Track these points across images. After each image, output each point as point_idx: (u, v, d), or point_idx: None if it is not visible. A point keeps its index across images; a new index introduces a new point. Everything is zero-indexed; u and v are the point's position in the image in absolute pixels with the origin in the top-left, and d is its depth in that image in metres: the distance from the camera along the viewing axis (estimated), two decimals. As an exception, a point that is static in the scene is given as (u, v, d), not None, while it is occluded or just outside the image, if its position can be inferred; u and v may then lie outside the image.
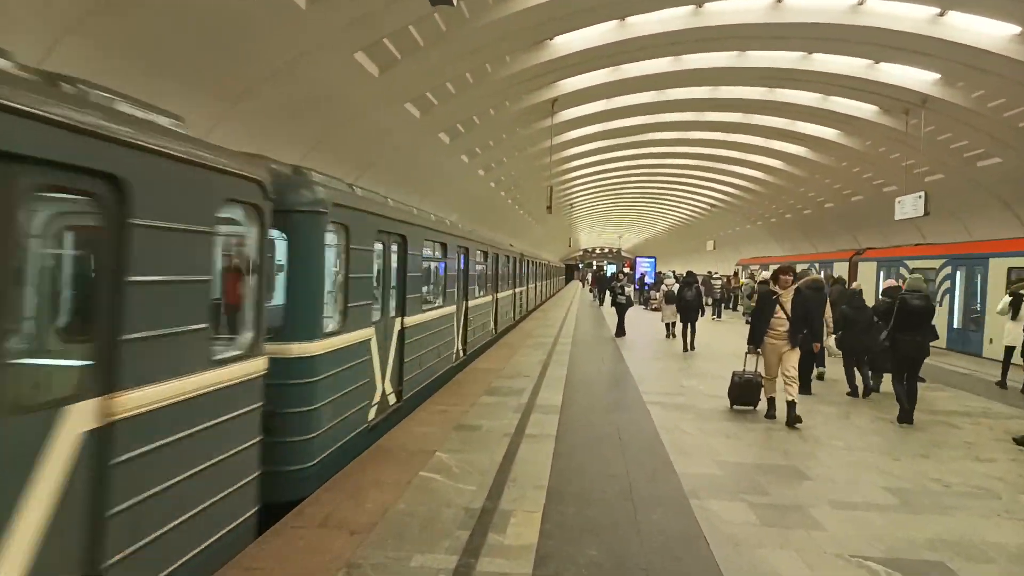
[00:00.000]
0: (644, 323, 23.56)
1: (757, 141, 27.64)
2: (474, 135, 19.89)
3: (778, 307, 8.85)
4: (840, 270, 23.76)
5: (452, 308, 12.02)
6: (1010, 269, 15.89)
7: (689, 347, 16.04)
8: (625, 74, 18.46)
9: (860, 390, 10.76)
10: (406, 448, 7.08)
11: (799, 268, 29.92)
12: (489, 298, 17.03)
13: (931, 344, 9.50)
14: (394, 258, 8.56)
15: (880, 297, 10.74)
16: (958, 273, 18.13)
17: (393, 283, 8.59)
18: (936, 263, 19.09)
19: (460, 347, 13.20)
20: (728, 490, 5.96)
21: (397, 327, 8.60)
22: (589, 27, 14.71)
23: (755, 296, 16.64)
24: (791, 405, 8.45)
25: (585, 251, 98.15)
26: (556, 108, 19.96)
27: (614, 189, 46.43)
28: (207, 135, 7.39)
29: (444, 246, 11.41)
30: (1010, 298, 11.84)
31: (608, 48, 15.70)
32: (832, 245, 32.86)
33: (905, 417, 8.92)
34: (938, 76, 16.89)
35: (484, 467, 6.43)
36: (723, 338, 19.05)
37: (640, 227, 77.06)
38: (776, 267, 9.33)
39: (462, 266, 13.25)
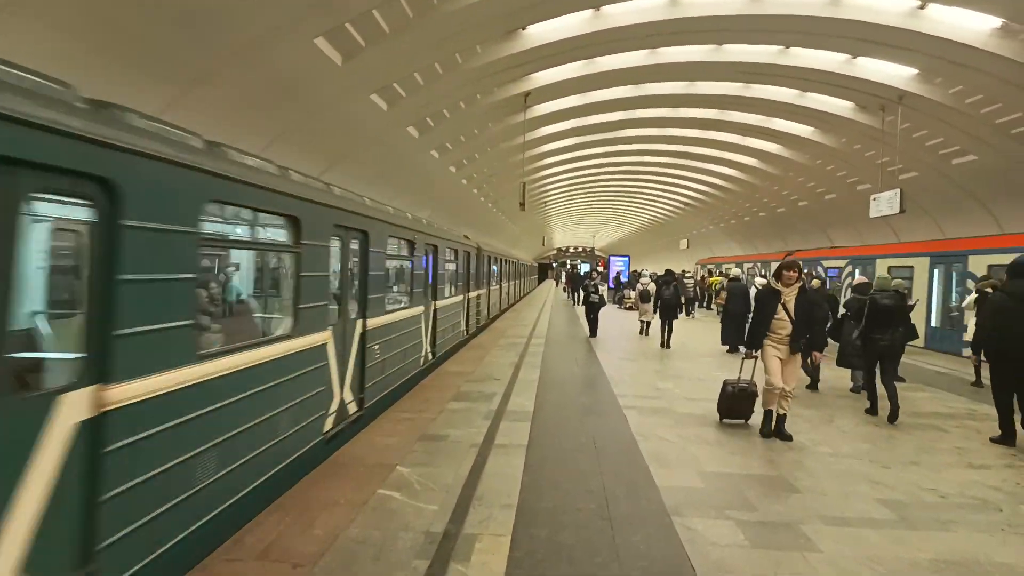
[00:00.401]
0: (617, 322, 23.20)
1: (732, 138, 27.43)
2: (444, 129, 19.28)
3: (780, 308, 7.80)
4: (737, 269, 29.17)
5: (322, 336, 6.74)
6: (889, 268, 19.83)
7: (665, 345, 16.20)
8: (600, 67, 18.02)
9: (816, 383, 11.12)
10: (365, 462, 6.52)
11: (746, 268, 30.55)
12: (418, 310, 11.58)
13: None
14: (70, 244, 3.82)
15: (852, 294, 10.89)
16: (856, 270, 22.21)
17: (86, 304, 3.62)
18: (842, 262, 23.80)
19: (347, 400, 7.76)
20: (713, 505, 5.50)
21: (69, 415, 3.38)
22: (563, 16, 14.20)
23: (723, 293, 16.59)
24: (781, 419, 7.83)
25: (559, 250, 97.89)
26: (529, 102, 19.45)
27: (588, 187, 46.05)
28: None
29: (296, 224, 6.08)
30: (976, 295, 11.76)
31: (583, 39, 15.22)
32: (805, 243, 32.85)
33: (873, 410, 9.22)
34: (916, 72, 16.69)
35: (448, 483, 5.90)
36: (698, 337, 18.75)
37: (614, 226, 76.85)
38: (779, 263, 8.34)
39: (357, 262, 8.22)
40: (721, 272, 35.65)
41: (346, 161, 16.20)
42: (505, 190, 32.48)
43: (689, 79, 20.36)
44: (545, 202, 47.61)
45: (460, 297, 16.64)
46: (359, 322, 8.33)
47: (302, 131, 13.39)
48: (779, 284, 7.90)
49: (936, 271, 18.19)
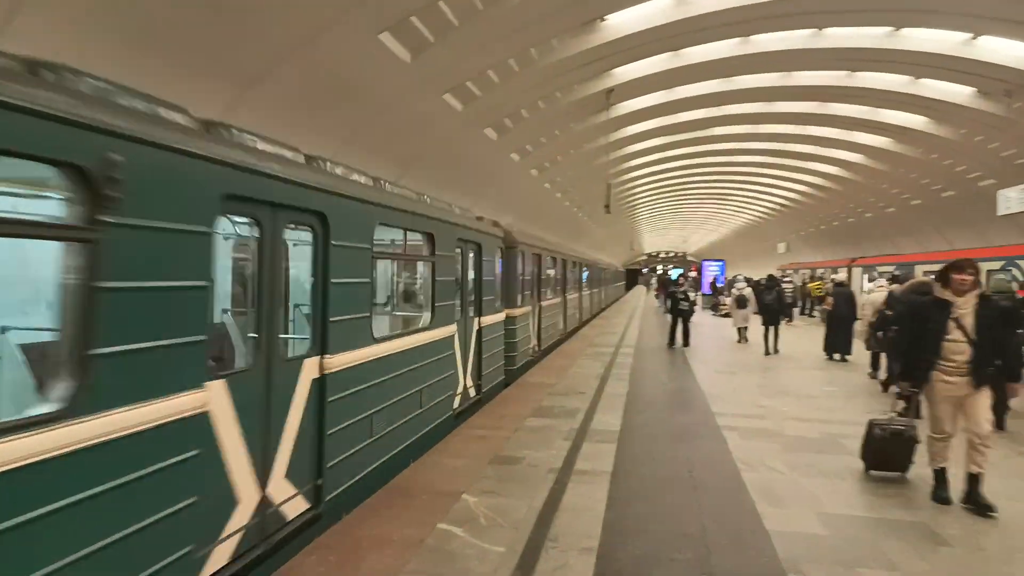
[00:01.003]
0: (713, 330, 21.89)
1: (835, 133, 25.45)
2: (523, 130, 18.53)
3: (952, 324, 5.63)
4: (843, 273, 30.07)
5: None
6: (924, 272, 20.45)
7: (772, 351, 15.75)
8: (687, 59, 16.85)
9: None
10: (429, 488, 5.84)
11: (819, 273, 31.00)
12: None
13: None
14: None
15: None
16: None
17: None
18: (891, 267, 24.09)
19: None
20: (840, 560, 4.46)
21: None
22: (644, 3, 13.12)
23: (830, 298, 15.30)
24: (975, 479, 5.58)
25: (649, 255, 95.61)
26: (612, 100, 18.45)
27: (678, 189, 44.36)
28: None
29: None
30: None
31: (667, 28, 14.13)
32: (919, 246, 30.30)
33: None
34: (1049, 49, 14.74)
35: (519, 517, 5.13)
36: (802, 346, 17.21)
37: (707, 229, 74.16)
38: (947, 262, 5.98)
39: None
40: (822, 278, 33.49)
41: (422, 164, 15.69)
42: (590, 194, 31.48)
43: (785, 69, 18.82)
44: (633, 206, 46.28)
45: (450, 329, 8.31)
46: None
47: (375, 133, 12.94)
48: (947, 292, 5.80)
49: None
